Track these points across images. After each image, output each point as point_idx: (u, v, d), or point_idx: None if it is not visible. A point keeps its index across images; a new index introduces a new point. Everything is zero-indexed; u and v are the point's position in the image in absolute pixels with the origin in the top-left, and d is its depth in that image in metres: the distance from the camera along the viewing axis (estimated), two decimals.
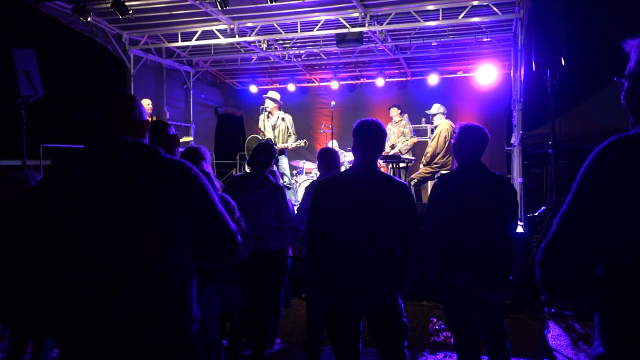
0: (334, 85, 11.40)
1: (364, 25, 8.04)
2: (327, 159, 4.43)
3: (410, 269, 2.90)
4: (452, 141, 3.33)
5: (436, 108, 8.37)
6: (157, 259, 1.67)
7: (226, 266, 3.36)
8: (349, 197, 2.86)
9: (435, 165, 8.00)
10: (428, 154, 8.10)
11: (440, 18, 7.86)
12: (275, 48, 9.98)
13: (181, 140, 8.87)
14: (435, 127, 8.35)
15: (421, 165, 8.29)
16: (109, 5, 7.20)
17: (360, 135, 2.95)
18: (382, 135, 2.97)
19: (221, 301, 3.33)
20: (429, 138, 9.50)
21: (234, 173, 11.61)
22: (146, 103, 8.51)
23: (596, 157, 1.31)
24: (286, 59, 10.76)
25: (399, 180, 2.99)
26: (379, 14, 8.05)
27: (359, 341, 2.96)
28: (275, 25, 8.67)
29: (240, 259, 2.71)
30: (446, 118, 8.34)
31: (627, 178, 1.25)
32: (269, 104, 8.38)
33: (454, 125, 8.15)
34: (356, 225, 2.80)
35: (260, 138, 8.35)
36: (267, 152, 4.12)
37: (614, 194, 1.25)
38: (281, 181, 6.03)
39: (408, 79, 11.69)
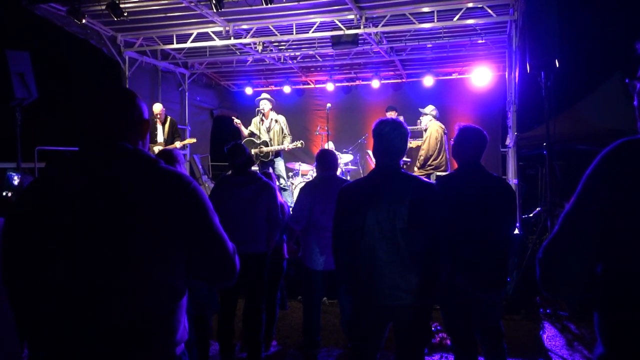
0: (330, 87, 11.41)
1: (359, 27, 8.05)
2: (324, 160, 4.45)
3: (443, 271, 2.82)
4: (452, 142, 3.34)
5: (429, 109, 8.40)
6: (143, 277, 1.54)
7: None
8: (376, 202, 2.73)
9: (429, 168, 8.03)
10: (421, 157, 8.12)
11: (435, 20, 7.87)
12: (271, 50, 9.98)
13: (183, 142, 8.91)
14: (425, 129, 8.38)
15: (415, 169, 8.31)
16: (103, 7, 7.18)
17: (381, 136, 2.81)
18: (404, 134, 2.83)
19: (194, 305, 3.34)
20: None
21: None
22: (159, 109, 8.47)
23: (603, 158, 1.31)
24: (282, 60, 10.77)
25: (426, 180, 2.87)
26: (374, 16, 8.06)
27: (380, 349, 2.88)
28: (270, 27, 8.66)
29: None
30: (437, 120, 8.37)
31: (632, 181, 1.25)
32: (264, 105, 8.38)
33: (443, 127, 8.20)
34: (385, 229, 2.69)
35: (256, 141, 8.35)
36: (241, 151, 4.18)
37: (619, 195, 1.26)
38: (277, 183, 6.05)
39: (403, 80, 11.72)
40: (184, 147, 9.12)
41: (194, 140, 9.45)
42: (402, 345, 2.85)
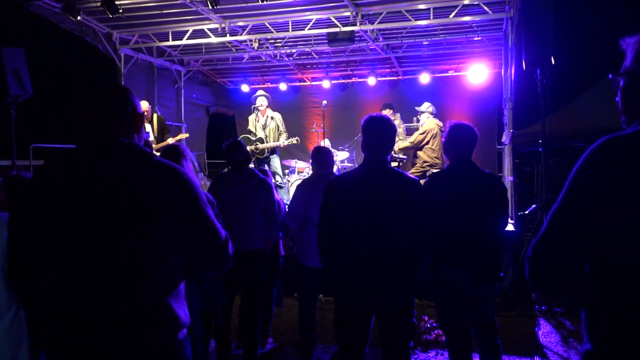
0: (326, 84, 11.40)
1: (355, 25, 8.04)
2: (321, 158, 4.44)
3: (423, 266, 2.86)
4: (443, 140, 3.36)
5: (425, 106, 8.41)
6: (141, 267, 1.62)
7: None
8: (361, 196, 2.79)
9: (425, 165, 8.04)
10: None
11: (431, 17, 7.88)
12: (267, 47, 9.96)
13: (175, 138, 8.87)
14: (422, 125, 8.39)
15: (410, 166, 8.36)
16: (98, 4, 7.15)
17: (370, 131, 2.87)
18: (391, 131, 2.90)
19: (203, 298, 3.33)
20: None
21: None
22: (145, 106, 8.44)
23: (589, 156, 1.31)
24: (278, 58, 10.74)
25: (411, 176, 2.92)
26: (370, 13, 8.06)
27: (367, 343, 2.91)
28: (266, 24, 8.65)
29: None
30: (434, 117, 8.37)
31: (619, 178, 1.25)
32: (261, 102, 8.37)
33: (440, 124, 8.20)
34: (369, 224, 2.74)
35: (252, 138, 8.34)
36: (240, 148, 4.17)
37: (606, 193, 1.26)
38: (273, 180, 6.05)
39: (399, 78, 11.72)
40: (179, 142, 9.07)
41: (187, 135, 9.41)
42: (386, 340, 2.91)
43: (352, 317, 2.88)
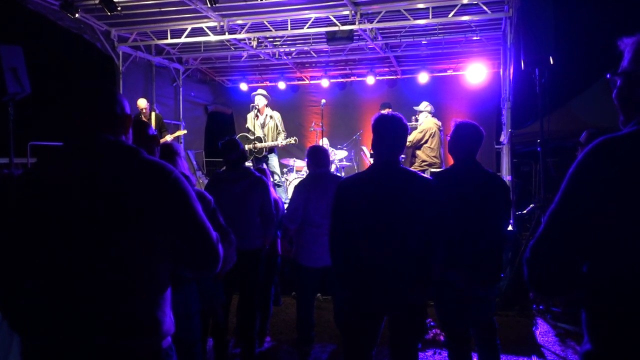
0: (325, 83, 11.40)
1: (354, 23, 8.04)
2: (317, 157, 4.43)
3: (436, 268, 2.82)
4: (447, 138, 3.34)
5: (424, 106, 8.41)
6: (126, 269, 1.56)
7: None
8: (374, 197, 2.74)
9: (424, 164, 8.04)
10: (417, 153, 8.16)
11: (430, 16, 7.88)
12: (266, 46, 9.95)
13: (173, 135, 8.87)
14: (420, 124, 8.39)
15: (408, 164, 8.34)
16: (97, 1, 7.13)
17: (381, 131, 2.82)
18: (403, 131, 2.84)
19: (202, 297, 3.33)
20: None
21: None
22: (144, 104, 8.43)
23: (585, 157, 1.31)
24: (276, 56, 10.72)
25: (425, 177, 2.89)
26: (369, 12, 8.06)
27: (375, 344, 2.87)
28: (265, 22, 8.64)
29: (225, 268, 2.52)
30: (433, 116, 8.36)
31: (615, 178, 1.26)
32: (260, 101, 8.36)
33: (439, 123, 8.20)
34: (381, 225, 2.70)
35: (250, 137, 8.33)
36: (234, 147, 4.16)
37: (602, 194, 1.27)
38: (271, 179, 6.04)
39: (398, 77, 11.72)
40: (178, 141, 9.06)
41: (185, 132, 9.40)
42: (396, 342, 2.87)
43: (363, 318, 2.83)
